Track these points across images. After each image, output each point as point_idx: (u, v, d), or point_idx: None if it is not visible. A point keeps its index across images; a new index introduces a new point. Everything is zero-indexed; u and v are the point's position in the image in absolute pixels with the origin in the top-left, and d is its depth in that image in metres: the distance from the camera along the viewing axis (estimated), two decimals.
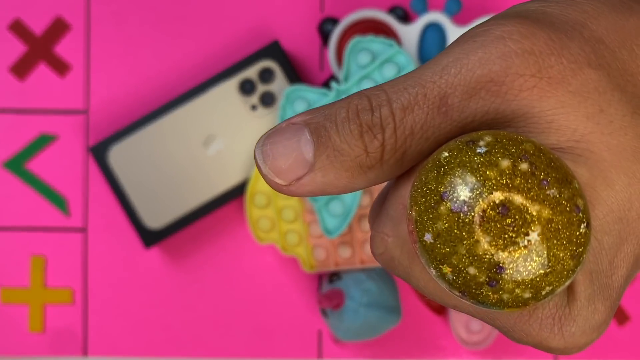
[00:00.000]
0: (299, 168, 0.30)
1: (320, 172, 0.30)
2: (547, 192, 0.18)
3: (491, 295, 0.18)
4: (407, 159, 0.29)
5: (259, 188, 0.72)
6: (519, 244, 0.17)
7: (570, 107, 0.29)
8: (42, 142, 0.75)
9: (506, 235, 0.17)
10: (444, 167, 0.20)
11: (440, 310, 0.74)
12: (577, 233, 0.18)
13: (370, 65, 0.69)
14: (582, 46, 0.30)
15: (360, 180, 0.30)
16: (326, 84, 0.74)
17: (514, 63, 0.29)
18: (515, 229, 0.17)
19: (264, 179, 0.30)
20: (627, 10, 0.31)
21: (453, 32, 0.72)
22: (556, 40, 0.29)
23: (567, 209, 0.18)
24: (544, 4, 0.31)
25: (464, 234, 0.17)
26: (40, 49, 0.75)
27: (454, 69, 0.29)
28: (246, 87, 0.72)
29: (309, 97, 0.70)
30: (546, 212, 0.17)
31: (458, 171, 0.19)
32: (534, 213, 0.17)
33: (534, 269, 0.17)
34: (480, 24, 0.30)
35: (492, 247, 0.17)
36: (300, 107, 0.70)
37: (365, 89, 0.30)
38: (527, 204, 0.17)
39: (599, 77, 0.29)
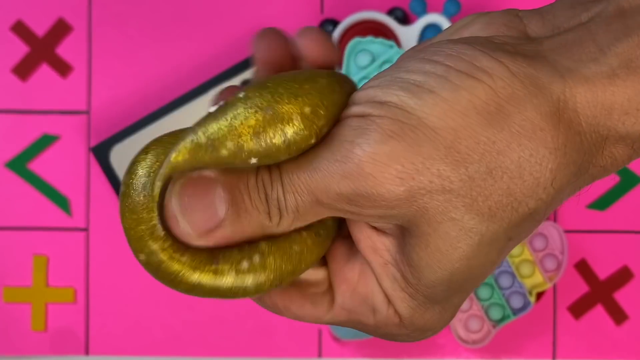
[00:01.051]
0: (211, 222, 0.32)
1: (230, 228, 0.32)
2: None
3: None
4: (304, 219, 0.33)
5: None
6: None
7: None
8: (44, 142, 0.75)
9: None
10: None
11: None
12: None
13: (370, 66, 0.70)
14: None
15: (259, 233, 0.33)
16: None
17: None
18: None
19: (178, 229, 0.32)
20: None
21: None
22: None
23: None
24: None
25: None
26: (42, 50, 0.75)
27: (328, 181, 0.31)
28: None
29: None
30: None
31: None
32: None
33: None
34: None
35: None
36: None
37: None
38: None
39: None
